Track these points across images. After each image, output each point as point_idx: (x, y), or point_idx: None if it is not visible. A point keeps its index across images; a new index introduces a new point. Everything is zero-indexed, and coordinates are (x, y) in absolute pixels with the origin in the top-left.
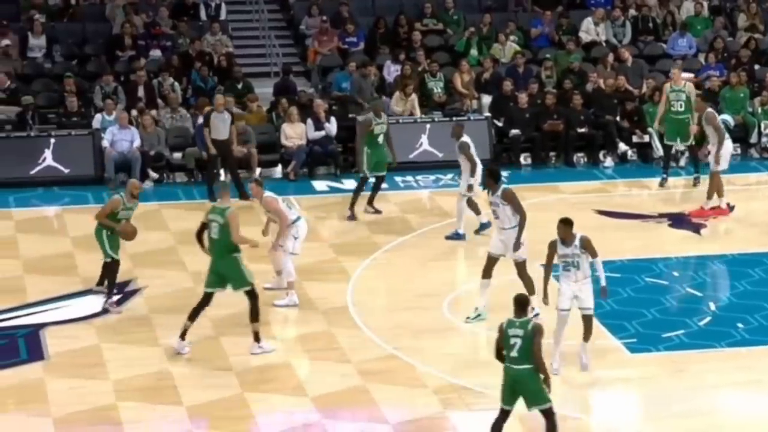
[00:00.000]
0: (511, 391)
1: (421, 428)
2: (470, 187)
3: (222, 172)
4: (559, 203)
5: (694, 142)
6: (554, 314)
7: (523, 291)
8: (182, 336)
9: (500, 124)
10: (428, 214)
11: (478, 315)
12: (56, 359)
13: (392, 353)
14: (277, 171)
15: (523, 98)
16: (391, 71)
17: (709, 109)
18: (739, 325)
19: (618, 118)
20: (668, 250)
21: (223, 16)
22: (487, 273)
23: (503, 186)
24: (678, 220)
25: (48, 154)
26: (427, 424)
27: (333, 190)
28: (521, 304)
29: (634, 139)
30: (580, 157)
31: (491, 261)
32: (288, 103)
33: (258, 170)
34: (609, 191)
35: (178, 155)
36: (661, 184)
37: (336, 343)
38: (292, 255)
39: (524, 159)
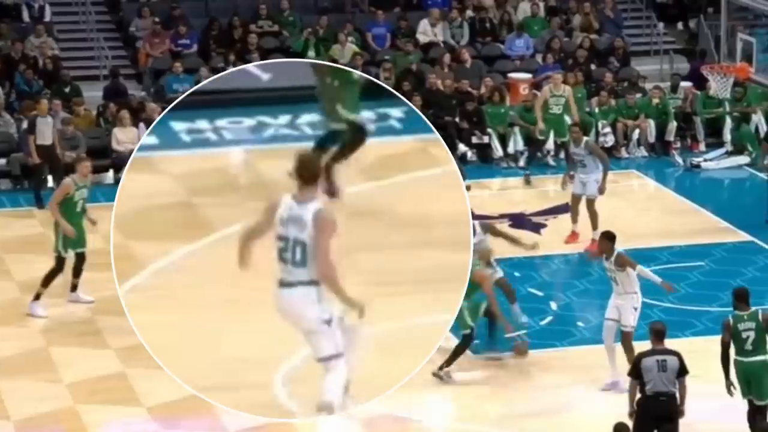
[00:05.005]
0: (747, 384)
1: None
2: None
3: (50, 178)
4: None
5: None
6: None
7: (743, 285)
8: None
9: None
10: None
11: None
12: None
13: None
14: (109, 176)
15: None
16: None
17: (587, 138)
18: (579, 323)
19: (457, 119)
20: (509, 250)
21: (47, 17)
22: None
23: None
24: (518, 220)
25: None
26: (270, 429)
27: None
28: (742, 296)
29: (474, 139)
30: None
31: None
32: (119, 107)
33: (89, 176)
34: None
35: (2, 161)
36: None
37: None
38: None
39: None
